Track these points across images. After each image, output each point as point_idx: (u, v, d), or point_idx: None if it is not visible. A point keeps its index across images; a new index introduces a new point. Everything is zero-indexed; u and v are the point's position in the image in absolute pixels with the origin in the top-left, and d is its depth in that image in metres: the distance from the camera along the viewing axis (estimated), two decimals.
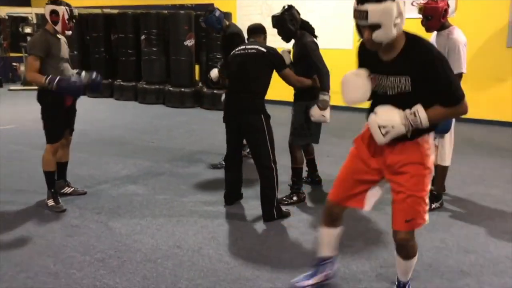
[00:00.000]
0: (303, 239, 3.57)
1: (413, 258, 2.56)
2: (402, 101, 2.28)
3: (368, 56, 2.37)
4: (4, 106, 9.27)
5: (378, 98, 2.38)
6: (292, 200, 4.24)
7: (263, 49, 3.84)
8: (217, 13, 5.15)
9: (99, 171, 5.21)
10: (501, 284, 2.96)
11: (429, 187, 2.44)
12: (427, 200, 2.43)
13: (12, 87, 12.05)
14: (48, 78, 3.80)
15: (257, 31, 4.16)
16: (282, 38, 4.19)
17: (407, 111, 2.26)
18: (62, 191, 4.37)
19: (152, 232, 3.66)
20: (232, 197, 4.23)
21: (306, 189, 4.58)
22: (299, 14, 4.18)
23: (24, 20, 12.45)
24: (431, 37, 4.17)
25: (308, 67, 4.06)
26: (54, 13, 3.93)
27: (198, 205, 4.22)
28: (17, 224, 3.78)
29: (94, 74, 4.10)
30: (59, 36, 4.04)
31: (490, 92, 7.50)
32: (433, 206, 4.08)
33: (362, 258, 3.26)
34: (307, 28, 4.23)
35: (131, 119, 8.35)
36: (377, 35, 2.17)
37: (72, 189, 4.46)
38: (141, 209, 4.14)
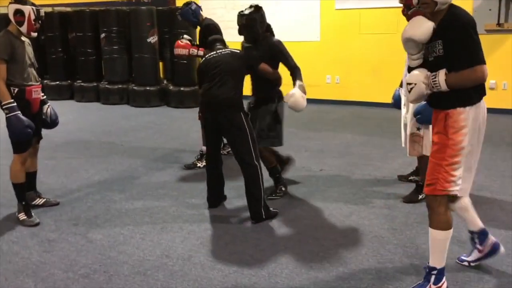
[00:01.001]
0: (296, 239, 3.46)
1: (436, 230, 2.61)
2: (438, 66, 2.48)
3: None
4: None
5: (422, 64, 2.59)
6: (282, 192, 4.25)
7: (237, 51, 3.95)
8: (194, 7, 5.04)
9: (70, 179, 4.93)
10: (499, 273, 2.94)
11: (454, 159, 2.53)
12: (451, 171, 2.54)
13: None
14: (10, 106, 3.55)
15: (222, 41, 4.18)
16: (247, 39, 4.15)
17: (431, 73, 2.50)
18: (33, 202, 4.10)
19: (137, 242, 3.46)
20: (216, 199, 4.07)
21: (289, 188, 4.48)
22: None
23: None
24: None
25: (276, 66, 4.18)
26: (19, 13, 3.63)
27: (180, 210, 4.04)
28: None
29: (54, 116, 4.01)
30: (23, 38, 3.75)
31: None
32: (420, 197, 4.06)
33: (359, 256, 3.18)
34: (269, 30, 4.22)
35: (96, 121, 8.01)
36: None
37: (44, 200, 4.18)
38: (120, 217, 3.92)
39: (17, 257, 3.28)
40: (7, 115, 3.56)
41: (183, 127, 7.20)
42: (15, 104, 3.57)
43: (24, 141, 3.69)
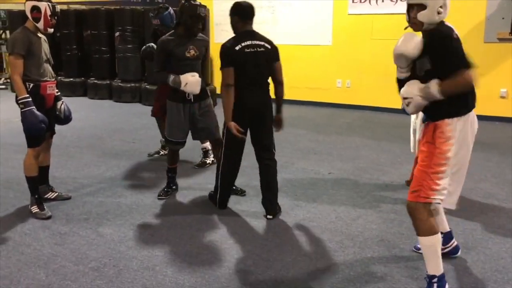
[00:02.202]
0: (303, 240, 3.51)
1: (424, 237, 2.66)
2: (429, 80, 2.57)
3: None
4: None
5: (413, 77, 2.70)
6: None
7: (268, 46, 3.75)
8: (172, 11, 5.01)
9: (81, 174, 5.01)
10: (504, 281, 2.96)
11: (440, 168, 2.60)
12: (436, 180, 2.59)
13: None
14: (25, 101, 3.63)
15: (253, 14, 3.77)
16: (199, 30, 4.03)
17: (424, 84, 2.57)
18: (46, 196, 4.18)
19: (146, 238, 3.52)
20: (227, 200, 4.12)
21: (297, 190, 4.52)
22: None
23: None
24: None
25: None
26: (35, 9, 3.71)
27: (189, 207, 4.10)
28: (0, 234, 3.59)
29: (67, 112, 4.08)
30: (40, 34, 3.83)
31: None
32: None
33: (365, 259, 3.22)
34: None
35: (108, 119, 8.11)
36: (421, 15, 2.58)
37: (56, 194, 4.26)
38: (131, 213, 3.99)
39: (29, 249, 3.35)
40: (22, 110, 3.64)
41: None
42: (30, 99, 3.64)
43: (38, 135, 3.77)
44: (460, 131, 2.63)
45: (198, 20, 3.96)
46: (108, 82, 9.88)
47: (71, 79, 10.22)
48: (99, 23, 9.81)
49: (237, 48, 3.60)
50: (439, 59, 2.55)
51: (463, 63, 2.52)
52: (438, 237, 2.70)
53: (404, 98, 2.66)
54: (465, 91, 2.58)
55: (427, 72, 2.60)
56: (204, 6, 4.03)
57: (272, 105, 3.83)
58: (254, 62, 3.64)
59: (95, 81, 10.03)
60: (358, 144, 6.32)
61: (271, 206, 3.90)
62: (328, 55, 8.86)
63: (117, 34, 9.51)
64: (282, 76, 3.84)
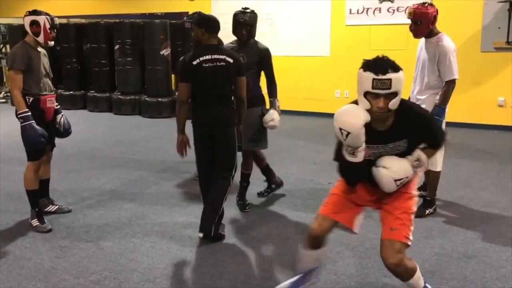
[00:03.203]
0: None
1: (412, 279, 2.50)
2: (397, 154, 2.46)
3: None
4: None
5: (372, 162, 2.48)
6: (274, 186, 4.58)
7: (230, 59, 3.51)
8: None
9: (82, 187, 5.02)
10: None
11: (414, 210, 2.57)
12: (411, 226, 2.50)
13: None
14: (25, 115, 3.65)
15: (217, 27, 3.61)
16: (243, 37, 4.05)
17: (410, 158, 2.46)
18: (46, 209, 4.18)
19: (147, 250, 3.53)
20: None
21: (291, 198, 4.52)
22: None
23: None
24: (419, 43, 4.20)
25: (257, 74, 4.20)
26: (34, 23, 3.76)
27: (190, 219, 4.10)
28: (0, 247, 3.59)
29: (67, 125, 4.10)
30: (39, 49, 3.87)
31: (466, 96, 7.62)
32: (427, 212, 4.09)
33: (365, 269, 3.22)
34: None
35: (108, 131, 8.13)
36: (393, 103, 2.27)
37: (56, 207, 4.27)
38: (131, 225, 3.99)
39: (29, 263, 3.35)
40: (22, 124, 3.66)
41: (192, 138, 7.28)
42: (29, 113, 3.67)
43: (38, 149, 3.79)
44: None
45: (241, 27, 4.03)
46: (108, 94, 9.93)
47: (71, 92, 10.28)
48: (98, 36, 9.89)
49: (194, 62, 3.44)
50: (424, 139, 2.52)
51: (445, 135, 2.63)
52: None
53: (397, 180, 2.42)
54: None
55: (402, 151, 2.46)
56: (248, 12, 4.04)
57: (234, 121, 3.65)
58: (212, 77, 3.46)
59: (95, 94, 10.08)
60: None
61: (203, 223, 3.59)
62: (327, 66, 8.92)
63: (116, 47, 9.58)
64: (244, 93, 3.61)
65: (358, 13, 8.53)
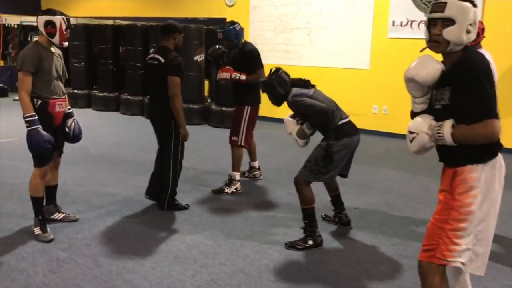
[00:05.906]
0: (314, 287, 3.16)
1: None
2: (446, 116, 2.17)
3: None
4: (7, 117, 8.92)
5: (429, 112, 2.29)
6: (307, 244, 3.69)
7: (162, 59, 4.16)
8: (238, 27, 4.94)
9: (95, 194, 4.83)
10: None
11: (460, 225, 2.15)
12: (455, 239, 2.15)
13: (17, 97, 11.80)
14: (31, 119, 3.48)
15: (168, 31, 4.31)
16: (273, 102, 3.95)
17: (436, 123, 2.19)
18: (52, 217, 4.02)
19: (146, 271, 3.27)
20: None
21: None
22: (288, 75, 3.92)
23: (33, 29, 12.25)
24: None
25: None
26: (50, 24, 3.59)
27: (198, 239, 3.82)
28: None
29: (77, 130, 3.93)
30: (53, 49, 3.70)
31: None
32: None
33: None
34: (299, 85, 3.91)
35: (136, 136, 8.00)
36: (448, 31, 2.12)
37: (63, 215, 4.09)
38: (135, 242, 3.75)
39: (21, 275, 3.16)
40: (28, 128, 3.49)
41: (219, 148, 7.03)
42: (36, 117, 3.49)
43: (44, 155, 3.61)
44: (486, 181, 2.15)
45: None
46: (141, 98, 9.84)
47: (105, 94, 10.26)
48: (135, 39, 9.82)
49: (147, 59, 4.39)
50: (461, 95, 2.11)
51: (491, 112, 2.08)
52: None
53: (410, 132, 2.26)
54: (483, 142, 2.13)
55: (445, 106, 2.18)
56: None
57: (169, 116, 4.22)
58: (150, 73, 4.35)
59: (128, 96, 10.01)
60: (390, 176, 5.91)
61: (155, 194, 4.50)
62: (365, 80, 8.50)
63: (151, 51, 9.47)
64: (173, 91, 4.12)
65: (401, 25, 8.09)
